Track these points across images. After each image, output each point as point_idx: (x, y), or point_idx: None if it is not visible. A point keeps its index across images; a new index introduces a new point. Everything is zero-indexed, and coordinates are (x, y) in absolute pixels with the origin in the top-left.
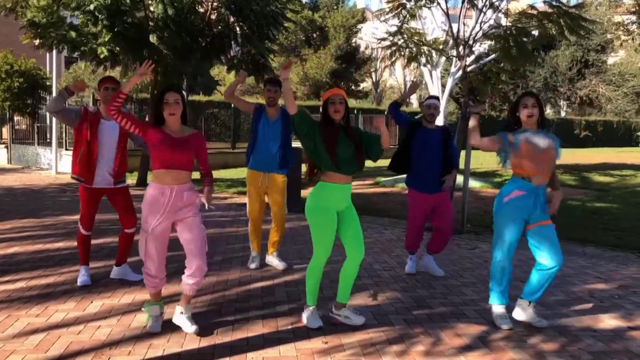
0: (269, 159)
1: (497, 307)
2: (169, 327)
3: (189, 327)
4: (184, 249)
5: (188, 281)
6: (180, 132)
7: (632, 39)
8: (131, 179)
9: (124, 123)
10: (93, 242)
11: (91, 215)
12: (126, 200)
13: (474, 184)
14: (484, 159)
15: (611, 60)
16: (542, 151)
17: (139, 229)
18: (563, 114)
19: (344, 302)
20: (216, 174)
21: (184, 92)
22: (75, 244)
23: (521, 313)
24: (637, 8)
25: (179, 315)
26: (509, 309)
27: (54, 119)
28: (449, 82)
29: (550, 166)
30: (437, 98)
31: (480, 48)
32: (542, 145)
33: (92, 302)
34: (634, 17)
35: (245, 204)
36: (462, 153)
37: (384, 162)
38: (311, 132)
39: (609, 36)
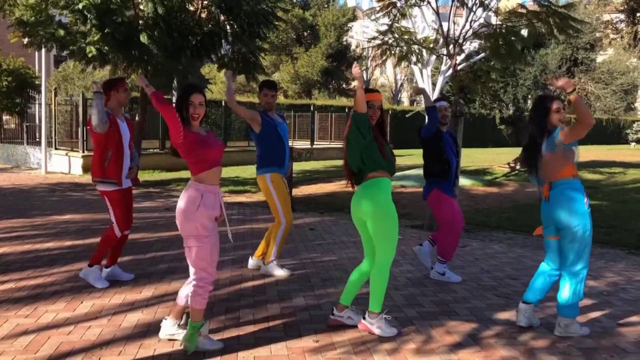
0: (285, 161)
1: (574, 321)
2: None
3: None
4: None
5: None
6: (201, 131)
7: (621, 37)
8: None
9: (176, 123)
10: (83, 242)
11: (129, 216)
12: (132, 200)
13: (464, 182)
14: (474, 157)
15: (600, 58)
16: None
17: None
18: None
19: (348, 305)
20: None
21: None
22: (66, 243)
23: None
24: (625, 7)
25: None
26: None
27: (43, 119)
28: (440, 81)
29: None
30: (444, 98)
31: (470, 47)
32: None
33: (82, 302)
34: (622, 16)
35: (238, 204)
36: None
37: None
38: (369, 132)
39: (597, 35)
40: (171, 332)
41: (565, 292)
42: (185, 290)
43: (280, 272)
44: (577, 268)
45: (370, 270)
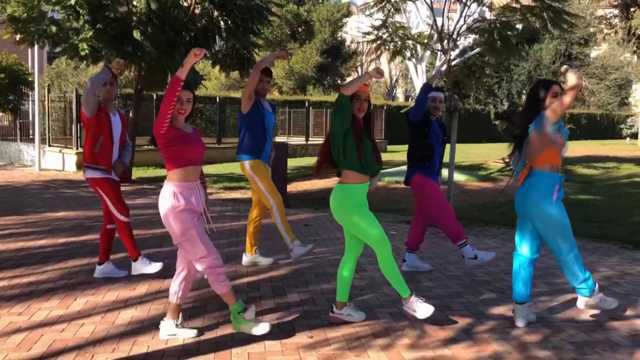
0: (265, 150)
1: (595, 295)
2: (153, 324)
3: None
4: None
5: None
6: (186, 128)
7: (615, 32)
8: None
9: (168, 113)
10: (77, 238)
11: (122, 202)
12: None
13: (458, 177)
14: (469, 153)
15: (594, 53)
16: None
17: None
18: None
19: (346, 301)
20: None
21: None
22: (60, 240)
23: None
24: (620, 1)
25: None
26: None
27: (36, 115)
28: None
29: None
30: (440, 90)
31: (464, 42)
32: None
33: (75, 299)
34: (616, 11)
35: (233, 200)
36: (447, 146)
37: None
38: (348, 120)
39: (591, 29)
40: (171, 332)
41: (571, 279)
42: (175, 287)
43: (305, 249)
44: (564, 253)
45: (353, 263)
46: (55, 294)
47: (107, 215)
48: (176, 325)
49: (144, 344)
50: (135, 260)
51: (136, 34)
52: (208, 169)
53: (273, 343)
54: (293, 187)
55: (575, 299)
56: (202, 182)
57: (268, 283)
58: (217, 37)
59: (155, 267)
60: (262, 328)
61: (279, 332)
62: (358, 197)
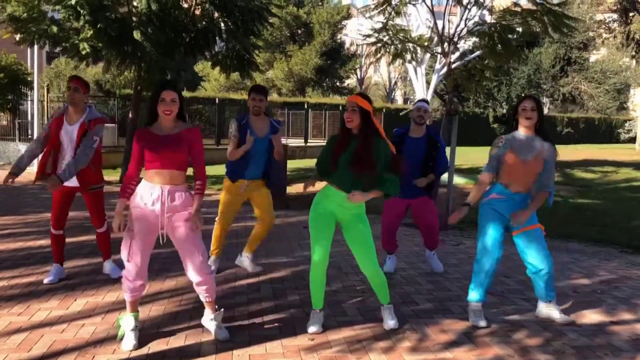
0: (255, 171)
1: (476, 304)
2: (154, 325)
3: (218, 334)
4: (180, 254)
5: (199, 290)
6: (171, 129)
7: (614, 37)
8: (114, 176)
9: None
10: (76, 239)
11: (58, 215)
12: (96, 203)
13: (458, 180)
14: (468, 156)
15: (593, 57)
16: (526, 163)
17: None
18: (546, 110)
19: (384, 303)
20: None
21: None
22: None
23: (546, 312)
24: (618, 6)
25: (208, 322)
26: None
27: (35, 115)
28: (434, 79)
29: (532, 177)
30: (426, 101)
31: (464, 45)
32: (528, 157)
33: (75, 300)
34: (615, 15)
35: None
36: (447, 149)
37: None
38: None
39: (591, 34)
40: (206, 324)
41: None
42: (197, 289)
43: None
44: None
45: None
46: (55, 294)
47: (92, 220)
48: (210, 319)
49: (145, 345)
50: (56, 264)
51: (136, 35)
52: (207, 170)
53: (274, 345)
54: (292, 189)
55: (576, 303)
56: (198, 187)
57: (268, 285)
58: (217, 38)
59: (51, 277)
60: (127, 342)
61: (279, 334)
62: (329, 197)
